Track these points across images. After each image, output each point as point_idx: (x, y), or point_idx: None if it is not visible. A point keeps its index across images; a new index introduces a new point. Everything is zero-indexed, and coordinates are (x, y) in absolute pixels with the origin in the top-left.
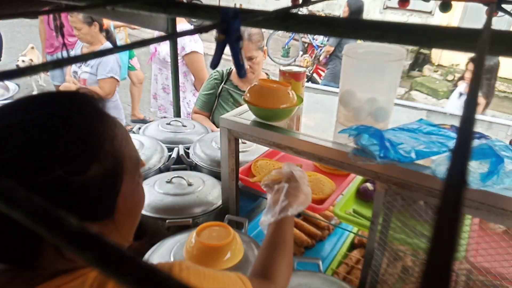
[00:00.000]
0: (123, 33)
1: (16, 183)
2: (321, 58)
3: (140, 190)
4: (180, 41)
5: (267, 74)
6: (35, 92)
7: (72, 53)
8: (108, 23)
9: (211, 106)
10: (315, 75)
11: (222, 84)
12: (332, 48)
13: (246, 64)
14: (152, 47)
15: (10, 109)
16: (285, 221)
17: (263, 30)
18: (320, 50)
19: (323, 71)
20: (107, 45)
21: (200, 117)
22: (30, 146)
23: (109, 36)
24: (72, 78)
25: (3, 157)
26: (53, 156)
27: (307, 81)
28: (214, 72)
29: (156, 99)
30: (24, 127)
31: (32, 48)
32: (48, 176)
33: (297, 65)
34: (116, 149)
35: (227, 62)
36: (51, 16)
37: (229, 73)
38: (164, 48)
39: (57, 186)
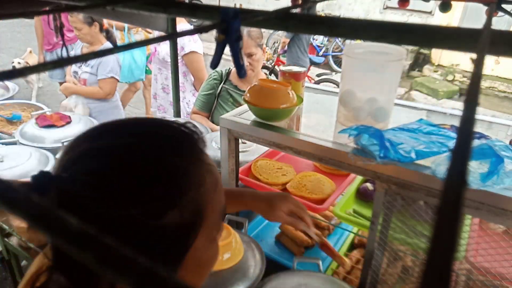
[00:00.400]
0: (142, 35)
1: (88, 210)
2: (279, 50)
3: (214, 247)
4: (180, 41)
5: (266, 74)
6: (34, 93)
7: (72, 53)
8: (120, 25)
9: (210, 107)
10: (276, 67)
11: (222, 84)
12: (288, 40)
13: (246, 61)
14: (152, 47)
15: (103, 129)
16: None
17: (263, 30)
18: (320, 50)
19: (284, 63)
20: (107, 45)
21: (199, 118)
22: (111, 175)
23: (109, 36)
24: (72, 78)
25: (82, 180)
26: (132, 193)
27: (270, 74)
28: (213, 72)
29: (156, 99)
30: (111, 152)
31: (30, 52)
32: (121, 212)
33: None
34: (201, 199)
35: (226, 62)
36: (51, 16)
37: (228, 73)
38: (163, 48)
39: (127, 225)
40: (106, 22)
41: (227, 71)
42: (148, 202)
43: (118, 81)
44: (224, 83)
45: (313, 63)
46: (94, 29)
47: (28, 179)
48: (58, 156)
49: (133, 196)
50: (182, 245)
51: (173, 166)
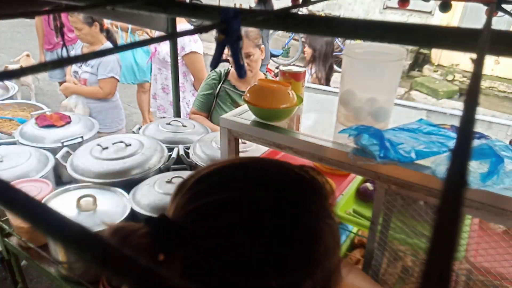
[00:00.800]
0: (146, 36)
1: (221, 276)
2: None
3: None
4: (180, 41)
5: (265, 74)
6: (33, 93)
7: (72, 52)
8: (125, 26)
9: (209, 107)
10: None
11: (220, 84)
12: None
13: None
14: (152, 47)
15: (226, 173)
16: None
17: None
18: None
19: None
20: (108, 45)
21: (199, 118)
22: (248, 237)
23: (110, 36)
24: (73, 78)
25: (213, 236)
26: (273, 262)
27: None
28: (212, 73)
29: (155, 99)
30: (244, 207)
31: (28, 56)
32: (258, 284)
33: (297, 65)
34: (331, 263)
35: (226, 62)
36: (51, 16)
37: (227, 73)
38: (164, 48)
39: None
40: (107, 22)
41: (226, 71)
42: (288, 274)
43: (118, 81)
44: (223, 83)
45: (272, 56)
46: (95, 29)
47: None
48: (172, 192)
49: (273, 267)
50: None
51: (311, 229)
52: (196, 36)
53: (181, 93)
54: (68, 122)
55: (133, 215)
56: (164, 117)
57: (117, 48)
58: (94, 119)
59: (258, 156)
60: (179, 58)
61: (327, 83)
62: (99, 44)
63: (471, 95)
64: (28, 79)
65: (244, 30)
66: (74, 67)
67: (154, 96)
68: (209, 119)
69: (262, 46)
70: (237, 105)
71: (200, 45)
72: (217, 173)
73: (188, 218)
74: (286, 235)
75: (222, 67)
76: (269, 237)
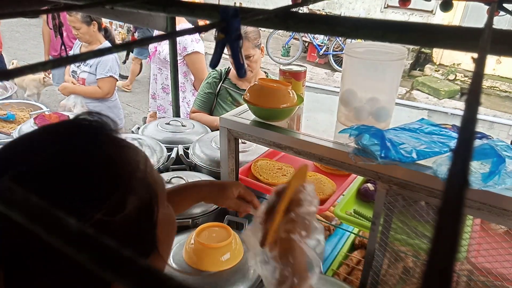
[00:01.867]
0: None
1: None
2: (132, 28)
3: (171, 213)
4: (182, 41)
5: (266, 73)
6: (28, 92)
7: (71, 52)
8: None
9: (210, 106)
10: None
11: (221, 83)
12: None
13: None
14: (152, 46)
15: (22, 150)
16: None
17: (263, 29)
18: (321, 49)
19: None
20: (106, 44)
21: (198, 115)
22: (59, 193)
23: (108, 35)
24: (71, 78)
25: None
26: (86, 200)
27: (127, 54)
28: (213, 72)
29: (155, 99)
30: (46, 172)
31: (12, 64)
32: (87, 223)
33: (298, 64)
34: (146, 176)
35: (226, 61)
36: (50, 15)
37: (227, 72)
38: (165, 47)
39: (98, 231)
40: (106, 21)
41: (226, 70)
42: (106, 201)
43: (117, 80)
44: (223, 82)
45: None
46: (93, 28)
47: None
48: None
49: (89, 203)
50: (151, 224)
51: (108, 159)
52: (197, 36)
53: (182, 93)
54: None
55: None
56: (164, 117)
57: (116, 48)
58: None
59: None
60: (180, 58)
61: None
62: (98, 43)
63: (473, 94)
64: (33, 88)
65: (243, 31)
66: (72, 66)
67: (153, 96)
68: None
69: (262, 45)
70: (238, 104)
71: (201, 45)
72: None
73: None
74: (87, 172)
75: (223, 66)
76: (73, 179)
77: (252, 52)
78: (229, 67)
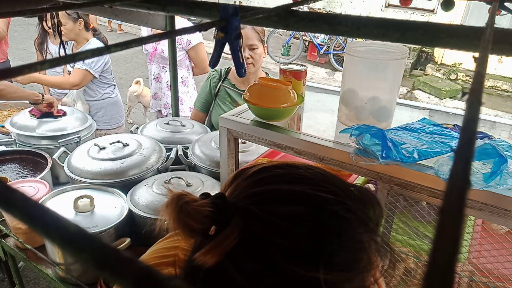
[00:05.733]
0: None
1: (272, 260)
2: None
3: None
4: (185, 35)
5: (266, 73)
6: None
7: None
8: None
9: (208, 106)
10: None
11: (220, 83)
12: None
13: (247, 54)
14: (150, 47)
15: (295, 171)
16: None
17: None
18: (321, 48)
19: None
20: (93, 41)
21: (197, 118)
22: (307, 233)
23: (97, 34)
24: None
25: (273, 222)
26: (324, 258)
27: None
28: (212, 71)
29: (156, 99)
30: (308, 202)
31: (137, 82)
32: (306, 272)
33: (298, 64)
34: (368, 276)
35: (225, 60)
36: (48, 15)
37: (227, 72)
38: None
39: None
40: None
41: (226, 70)
42: (335, 270)
43: (92, 76)
44: (222, 82)
45: None
46: (79, 26)
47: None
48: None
49: (327, 258)
50: None
51: (362, 238)
52: None
53: (185, 87)
54: (64, 114)
55: (130, 216)
56: (170, 113)
57: (115, 47)
58: (92, 117)
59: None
60: (183, 52)
61: None
62: (84, 41)
63: (474, 94)
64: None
65: None
66: (68, 66)
67: (154, 96)
68: (208, 119)
69: (265, 45)
70: (236, 104)
71: (201, 35)
72: (281, 167)
73: (248, 200)
74: (341, 236)
75: (223, 65)
76: (325, 234)
77: (257, 44)
78: (229, 67)
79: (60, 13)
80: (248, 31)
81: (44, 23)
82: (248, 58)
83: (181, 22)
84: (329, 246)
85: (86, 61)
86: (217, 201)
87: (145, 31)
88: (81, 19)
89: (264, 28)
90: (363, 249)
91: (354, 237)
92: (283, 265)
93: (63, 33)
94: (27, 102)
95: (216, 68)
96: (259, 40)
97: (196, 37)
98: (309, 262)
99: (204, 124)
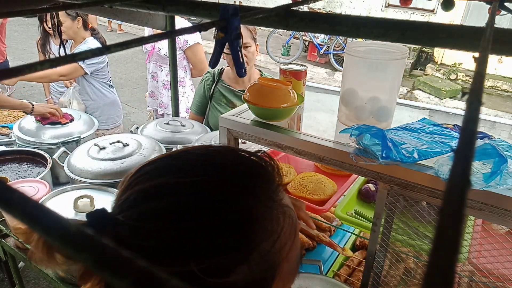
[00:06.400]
0: None
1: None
2: None
3: (294, 266)
4: (182, 35)
5: (260, 71)
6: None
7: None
8: None
9: (204, 109)
10: None
11: (214, 84)
12: None
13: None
14: (149, 46)
15: (166, 162)
16: None
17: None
18: (321, 48)
19: None
20: (90, 40)
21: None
22: (170, 221)
23: (96, 34)
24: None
25: (137, 226)
26: (195, 244)
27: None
28: (206, 74)
29: (152, 98)
30: (171, 192)
31: None
32: (179, 268)
33: (299, 64)
34: (276, 250)
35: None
36: (48, 15)
37: (220, 73)
38: (165, 45)
39: (187, 281)
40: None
41: (219, 71)
42: (214, 256)
43: (84, 72)
44: (216, 84)
45: None
46: (77, 24)
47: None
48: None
49: (195, 248)
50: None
51: (246, 211)
52: None
53: (182, 88)
54: (72, 120)
55: None
56: (168, 114)
57: (115, 47)
58: (93, 117)
59: (209, 144)
60: (180, 52)
61: None
62: (82, 40)
63: (474, 94)
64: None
65: None
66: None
67: (151, 94)
68: (205, 122)
69: (257, 43)
70: (232, 104)
71: (199, 35)
72: (153, 162)
73: (118, 209)
74: (213, 216)
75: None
76: (192, 217)
77: (250, 42)
78: (222, 68)
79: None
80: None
81: (44, 24)
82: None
83: (180, 22)
84: (197, 233)
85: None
86: (92, 219)
87: (148, 32)
88: (80, 18)
89: (263, 28)
90: (250, 223)
91: (231, 216)
92: (156, 264)
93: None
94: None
95: (209, 70)
96: (252, 38)
97: (193, 38)
98: (178, 257)
99: None
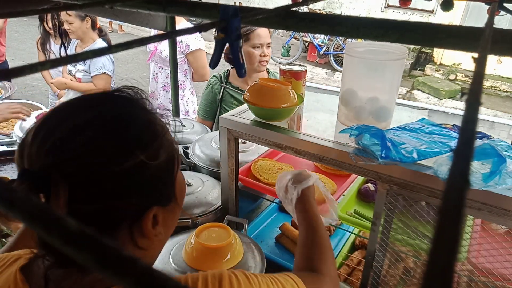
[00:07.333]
0: None
1: (104, 172)
2: None
3: (183, 177)
4: (184, 39)
5: (268, 70)
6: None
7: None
8: None
9: (213, 113)
10: None
11: (222, 88)
12: None
13: (266, 52)
14: (151, 46)
15: (76, 105)
16: (309, 205)
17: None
18: (321, 48)
19: None
20: (100, 42)
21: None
22: (113, 136)
23: (103, 35)
24: (70, 76)
25: (91, 148)
26: (134, 144)
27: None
28: (212, 78)
29: (152, 98)
30: (102, 120)
31: None
32: (132, 162)
33: (298, 64)
34: (171, 138)
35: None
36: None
37: (227, 76)
38: (166, 46)
39: (138, 171)
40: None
41: (225, 73)
42: (147, 148)
43: (111, 77)
44: (224, 87)
45: None
46: (86, 24)
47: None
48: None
49: (136, 146)
50: (172, 177)
51: (147, 118)
52: (198, 34)
53: (181, 91)
54: None
55: None
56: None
57: (115, 47)
58: None
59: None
60: (181, 56)
61: None
62: (91, 41)
63: (473, 94)
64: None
65: None
66: (68, 65)
67: (151, 94)
68: (215, 126)
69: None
70: None
71: (203, 42)
72: (53, 113)
73: (48, 156)
74: (133, 125)
75: (220, 69)
76: (122, 128)
77: (270, 41)
78: (228, 70)
79: (68, 11)
80: (262, 30)
81: (44, 23)
82: (266, 55)
83: (184, 25)
84: (133, 133)
85: (99, 65)
86: (24, 178)
87: (154, 31)
88: (88, 18)
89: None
90: (152, 122)
91: (141, 120)
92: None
93: (70, 31)
94: (27, 102)
95: (215, 74)
96: (270, 38)
97: (195, 43)
98: (126, 153)
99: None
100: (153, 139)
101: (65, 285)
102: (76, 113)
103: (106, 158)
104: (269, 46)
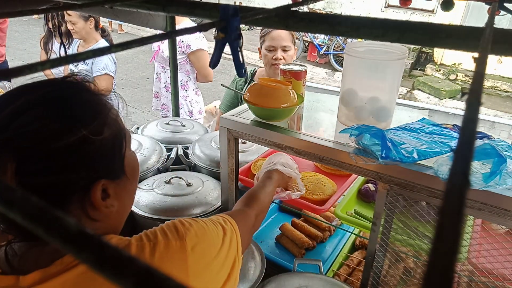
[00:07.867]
0: None
1: (49, 147)
2: None
3: (135, 157)
4: (186, 39)
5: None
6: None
7: (69, 51)
8: None
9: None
10: None
11: (246, 85)
12: None
13: (280, 55)
14: (155, 45)
15: (20, 90)
16: (269, 177)
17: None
18: (321, 48)
19: None
20: (103, 42)
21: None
22: (56, 114)
23: (106, 35)
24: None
25: (36, 126)
26: (76, 120)
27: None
28: (238, 78)
29: (157, 98)
30: (44, 101)
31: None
32: (76, 137)
33: (298, 64)
34: (117, 118)
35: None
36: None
37: (253, 74)
38: (168, 46)
39: (82, 146)
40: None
41: (252, 72)
42: (90, 124)
43: (113, 78)
44: (248, 84)
45: None
46: (89, 24)
47: None
48: None
49: (79, 122)
50: (121, 153)
51: (90, 98)
52: (201, 34)
53: (184, 91)
54: None
55: (131, 216)
56: (167, 116)
57: (115, 47)
58: None
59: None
60: (183, 56)
61: None
62: (94, 41)
63: (474, 94)
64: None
65: None
66: (70, 65)
67: (155, 95)
68: None
69: (296, 47)
70: None
71: (205, 42)
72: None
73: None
74: (76, 103)
75: (223, 65)
76: (66, 106)
77: (290, 45)
78: (255, 69)
79: (71, 11)
80: (282, 32)
81: (49, 23)
82: (280, 59)
83: (185, 24)
84: (79, 110)
85: (101, 65)
86: None
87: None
88: (92, 18)
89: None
90: (98, 102)
91: (86, 99)
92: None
93: (73, 31)
94: None
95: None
96: (292, 42)
97: (197, 43)
98: (71, 128)
99: None
100: (95, 116)
101: (26, 257)
102: (21, 95)
103: (50, 133)
104: (286, 50)
